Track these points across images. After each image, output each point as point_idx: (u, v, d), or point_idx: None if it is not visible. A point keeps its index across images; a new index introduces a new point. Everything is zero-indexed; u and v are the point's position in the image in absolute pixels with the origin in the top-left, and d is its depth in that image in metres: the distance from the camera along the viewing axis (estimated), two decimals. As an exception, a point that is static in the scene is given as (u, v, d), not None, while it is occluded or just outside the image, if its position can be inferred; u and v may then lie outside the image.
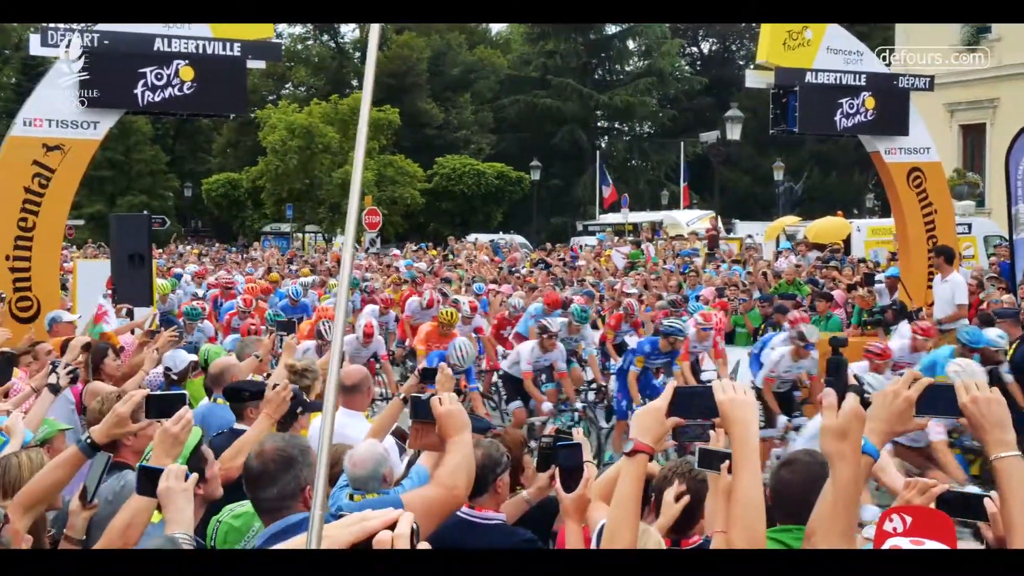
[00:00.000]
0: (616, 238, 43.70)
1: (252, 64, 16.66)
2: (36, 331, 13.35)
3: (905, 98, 18.92)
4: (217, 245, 54.67)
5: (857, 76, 18.55)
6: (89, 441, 4.98)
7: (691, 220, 48.65)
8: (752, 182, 71.23)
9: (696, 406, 4.01)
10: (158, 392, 5.62)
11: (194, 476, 4.47)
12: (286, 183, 61.30)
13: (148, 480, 4.51)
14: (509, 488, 6.59)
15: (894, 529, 3.20)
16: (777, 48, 18.29)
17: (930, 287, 17.87)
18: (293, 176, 60.41)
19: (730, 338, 19.90)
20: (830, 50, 18.47)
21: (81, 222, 59.11)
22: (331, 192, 59.32)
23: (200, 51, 15.73)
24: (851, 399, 3.57)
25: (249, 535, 5.38)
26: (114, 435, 5.07)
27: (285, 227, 64.76)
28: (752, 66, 19.39)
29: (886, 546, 3.17)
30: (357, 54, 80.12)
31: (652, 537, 4.74)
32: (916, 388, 3.78)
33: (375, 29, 3.18)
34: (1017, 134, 20.57)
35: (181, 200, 73.92)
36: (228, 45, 15.92)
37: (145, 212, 25.43)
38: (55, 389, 7.46)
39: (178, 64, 15.59)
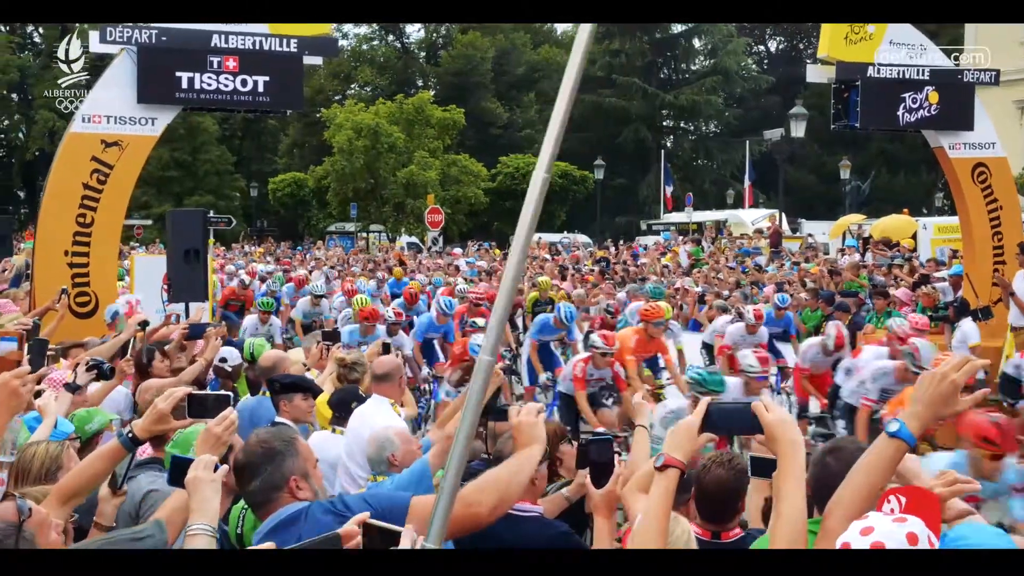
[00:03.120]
0: (680, 237, 43.53)
1: (309, 60, 16.68)
2: (95, 325, 13.48)
3: (970, 92, 18.57)
4: (283, 245, 55.01)
5: (920, 70, 18.24)
6: (131, 435, 4.97)
7: (756, 219, 48.29)
8: (818, 181, 70.57)
9: (733, 423, 3.98)
10: (201, 392, 5.59)
11: (224, 468, 4.43)
12: (351, 183, 61.59)
13: (179, 470, 4.49)
14: (547, 480, 6.54)
15: (891, 510, 3.22)
16: (839, 42, 18.04)
17: (995, 284, 17.54)
18: (358, 176, 60.66)
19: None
20: (893, 44, 18.17)
21: (149, 222, 59.85)
22: (395, 192, 59.51)
23: (256, 47, 15.79)
24: None
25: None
26: (155, 431, 5.05)
27: (350, 226, 65.08)
28: (816, 61, 19.13)
29: (865, 526, 3.17)
30: (422, 54, 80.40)
31: (680, 524, 4.67)
32: (964, 373, 3.69)
33: (585, 29, 3.21)
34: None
35: (247, 200, 74.55)
36: (284, 41, 15.96)
37: (202, 208, 25.57)
38: (73, 388, 7.46)
39: (234, 61, 15.67)
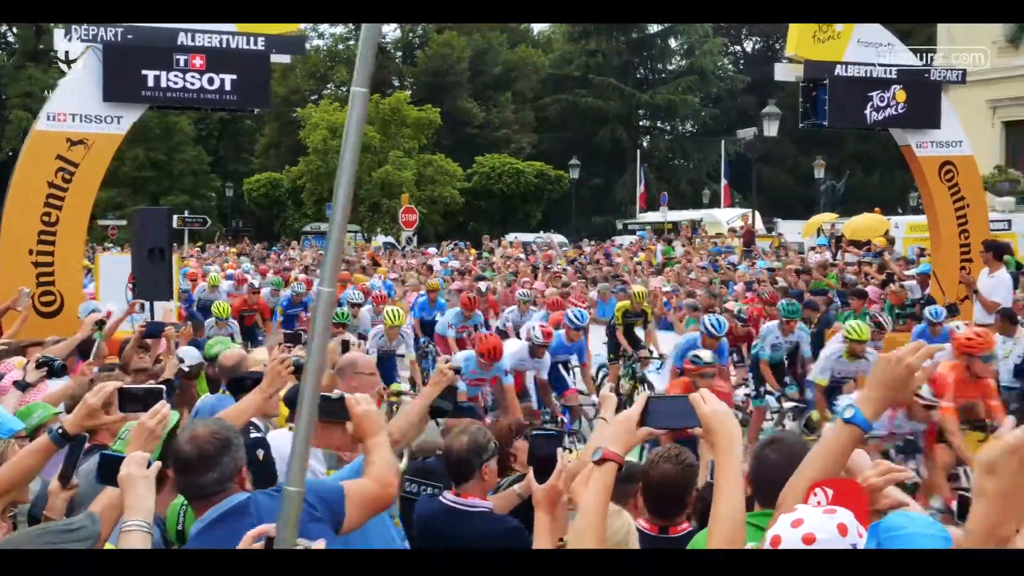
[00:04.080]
0: (655, 236, 43.60)
1: (276, 58, 16.66)
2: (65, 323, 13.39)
3: (937, 91, 18.67)
4: (257, 246, 54.85)
5: (888, 69, 18.33)
6: (60, 431, 4.93)
7: (731, 219, 48.39)
8: (794, 181, 70.78)
9: (671, 416, 3.96)
10: (133, 386, 5.54)
11: (157, 464, 4.40)
12: (327, 183, 61.44)
13: (108, 468, 4.45)
14: (497, 475, 6.53)
15: (818, 502, 3.25)
16: (807, 41, 18.13)
17: (961, 283, 17.61)
18: (334, 176, 60.40)
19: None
20: (860, 43, 18.27)
21: (123, 222, 59.60)
22: (371, 191, 59.44)
23: (223, 45, 15.75)
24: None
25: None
26: (85, 426, 5.01)
27: (325, 227, 64.91)
28: (785, 60, 19.19)
29: (795, 518, 3.17)
30: (398, 54, 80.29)
31: (622, 518, 4.67)
32: (919, 357, 3.71)
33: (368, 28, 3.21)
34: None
35: (223, 200, 74.32)
36: (251, 40, 15.92)
37: (166, 207, 25.35)
38: (23, 386, 7.42)
39: (201, 59, 15.62)
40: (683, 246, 35.11)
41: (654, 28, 77.95)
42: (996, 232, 22.84)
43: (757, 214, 46.47)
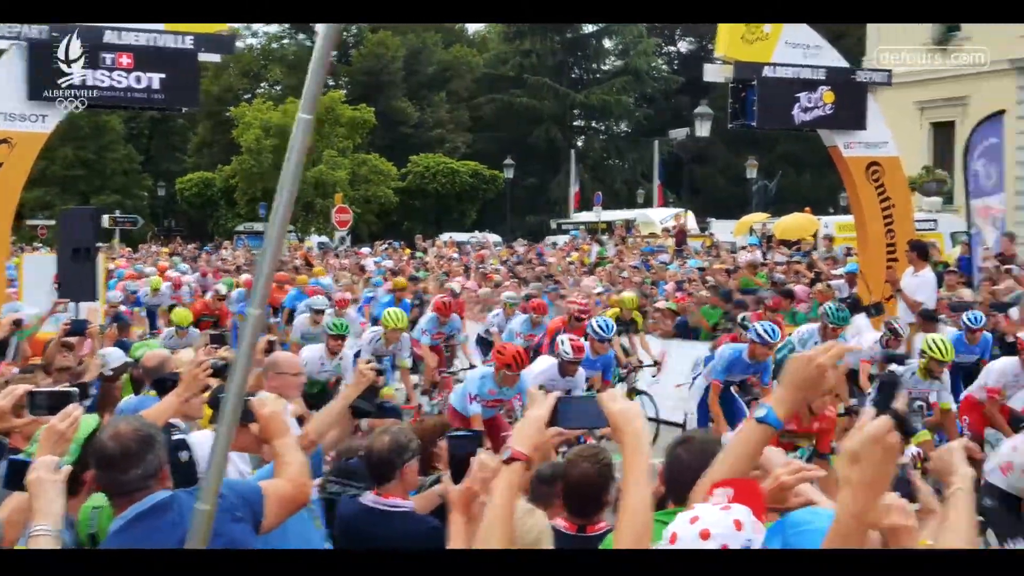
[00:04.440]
0: (589, 236, 43.71)
1: (204, 57, 16.50)
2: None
3: (863, 92, 18.87)
4: (190, 246, 54.38)
5: (815, 70, 18.50)
6: None
7: (664, 218, 48.61)
8: (727, 181, 71.25)
9: (581, 416, 3.99)
10: (43, 388, 5.49)
11: (66, 468, 4.36)
12: (260, 182, 61.10)
13: (15, 473, 4.41)
14: (418, 475, 6.54)
15: (717, 502, 3.28)
16: (736, 42, 18.24)
17: (887, 281, 17.84)
18: (267, 175, 60.19)
19: (695, 333, 19.95)
20: (788, 44, 18.41)
21: (53, 222, 58.87)
22: (305, 191, 59.16)
23: (151, 44, 15.59)
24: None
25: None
26: None
27: (259, 226, 64.55)
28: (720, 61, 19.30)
29: (692, 515, 3.24)
30: (333, 53, 79.78)
31: (534, 517, 4.69)
32: (830, 357, 3.77)
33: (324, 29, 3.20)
34: (972, 131, 20.66)
35: (155, 200, 73.63)
36: (179, 38, 15.78)
37: (93, 206, 25.05)
38: None
39: (128, 57, 15.46)
40: (616, 246, 35.24)
41: (589, 28, 78.16)
42: (922, 232, 23.15)
43: (691, 214, 46.71)
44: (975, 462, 6.20)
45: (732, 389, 13.87)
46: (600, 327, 14.53)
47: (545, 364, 13.34)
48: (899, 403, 3.59)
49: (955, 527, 3.35)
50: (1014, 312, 16.27)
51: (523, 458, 3.89)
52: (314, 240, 54.83)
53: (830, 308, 14.80)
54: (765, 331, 13.01)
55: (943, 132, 42.21)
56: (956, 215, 29.75)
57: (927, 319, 15.69)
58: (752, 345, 13.03)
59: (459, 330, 19.05)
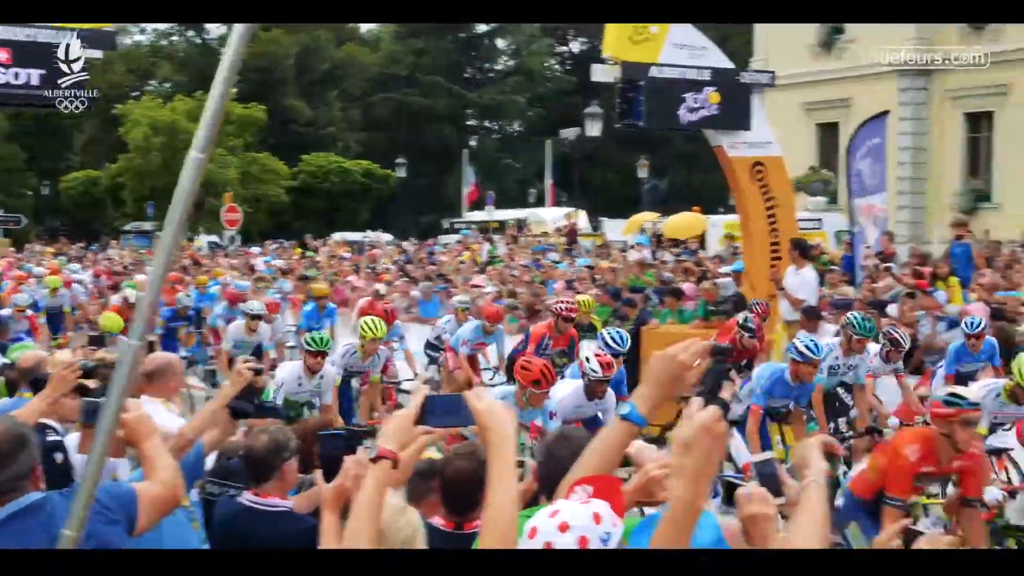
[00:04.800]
0: (481, 235, 43.80)
1: (87, 54, 16.15)
2: None
3: (748, 93, 19.13)
4: (76, 246, 53.38)
5: (701, 71, 18.69)
6: None
7: (556, 218, 48.92)
8: (620, 181, 71.76)
9: (449, 414, 4.00)
10: None
11: None
12: (148, 180, 60.21)
13: None
14: (298, 474, 6.50)
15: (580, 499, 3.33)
16: (623, 42, 18.34)
17: (772, 280, 18.12)
18: (155, 173, 59.34)
19: (584, 332, 20.07)
20: (675, 45, 18.55)
21: (-67, 221, 57.48)
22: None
23: (30, 39, 15.25)
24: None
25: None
26: None
27: (148, 225, 63.59)
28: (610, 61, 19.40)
29: (553, 510, 3.28)
30: (223, 50, 78.99)
31: (406, 516, 4.68)
32: (692, 354, 3.82)
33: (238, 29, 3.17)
34: (855, 132, 21.07)
35: (39, 199, 72.16)
36: (60, 34, 15.44)
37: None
38: None
39: (6, 53, 15.10)
40: (507, 245, 35.35)
41: (482, 28, 78.33)
42: (808, 231, 23.58)
43: (583, 213, 47.06)
44: (833, 457, 6.29)
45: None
46: (614, 339, 12.62)
47: (568, 388, 11.56)
48: (725, 392, 3.68)
49: (805, 518, 3.43)
50: (892, 309, 16.64)
51: (390, 456, 3.90)
52: (204, 240, 54.20)
53: (855, 317, 13.08)
54: (807, 347, 11.64)
55: (828, 133, 43.04)
56: (841, 214, 30.31)
57: (809, 316, 15.98)
58: (794, 365, 11.59)
59: (399, 336, 17.70)
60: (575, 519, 3.22)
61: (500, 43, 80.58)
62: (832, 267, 20.76)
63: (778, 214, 19.05)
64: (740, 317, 14.70)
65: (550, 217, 49.81)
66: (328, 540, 4.30)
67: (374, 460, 3.91)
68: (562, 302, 15.97)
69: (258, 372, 6.67)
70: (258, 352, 16.70)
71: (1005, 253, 21.21)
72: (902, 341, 13.16)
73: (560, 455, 4.72)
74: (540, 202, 62.04)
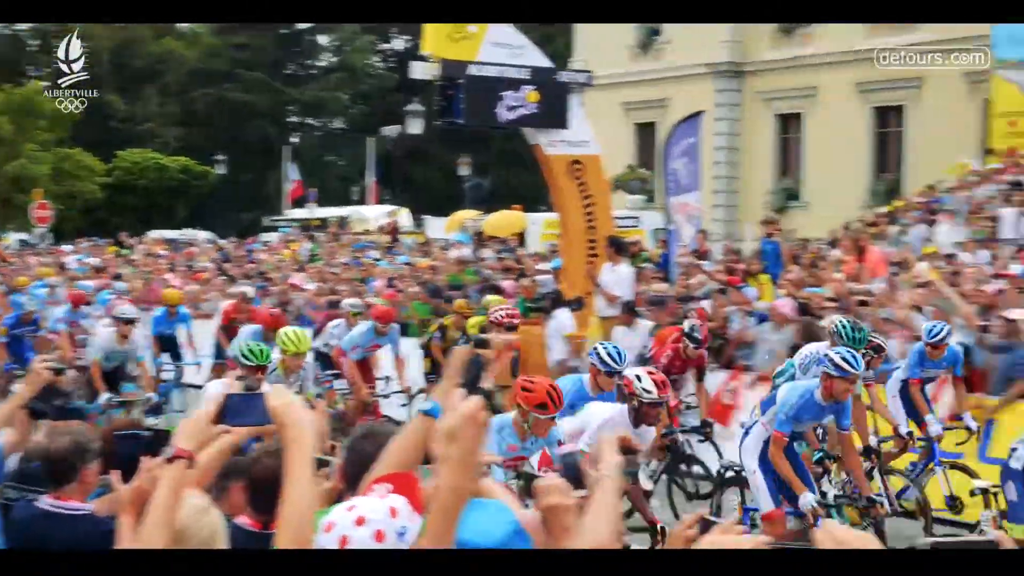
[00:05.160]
0: (303, 233, 43.41)
1: None
2: None
3: (566, 92, 19.36)
4: None
5: (520, 70, 18.86)
6: None
7: (379, 215, 48.75)
8: (443, 179, 71.87)
9: (248, 413, 3.97)
10: None
11: None
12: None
13: None
14: (99, 477, 6.34)
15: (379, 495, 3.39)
16: (442, 40, 18.43)
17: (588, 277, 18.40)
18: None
19: (404, 330, 20.06)
20: (493, 43, 18.71)
21: None
22: (2, 186, 56.56)
23: None
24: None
25: None
26: None
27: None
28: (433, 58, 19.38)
29: (351, 505, 3.35)
30: (36, 42, 76.60)
31: (209, 516, 4.61)
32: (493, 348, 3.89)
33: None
34: (671, 131, 21.52)
35: None
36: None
37: None
38: None
39: None
40: (328, 243, 35.12)
41: (304, 24, 77.53)
42: (625, 229, 24.00)
43: (406, 211, 47.00)
44: (631, 451, 6.37)
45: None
46: (612, 356, 10.88)
47: (608, 410, 9.99)
48: (486, 383, 3.79)
49: (595, 511, 3.50)
50: (706, 304, 17.02)
51: (186, 456, 3.85)
52: (13, 237, 52.47)
53: (844, 327, 11.54)
54: (845, 360, 9.91)
55: (646, 132, 43.80)
56: (658, 212, 30.91)
57: (628, 312, 16.27)
58: (829, 382, 9.95)
59: (394, 342, 16.75)
60: (372, 513, 3.25)
61: (322, 39, 79.91)
62: (646, 264, 21.16)
63: (595, 212, 19.34)
64: (686, 326, 13.62)
65: (373, 215, 49.59)
66: (124, 541, 4.21)
67: (169, 460, 3.85)
68: (500, 310, 14.24)
69: (58, 372, 6.50)
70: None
71: (812, 251, 21.85)
72: (884, 347, 12.58)
73: (365, 452, 4.69)
74: (363, 200, 61.74)
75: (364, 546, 3.21)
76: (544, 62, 19.49)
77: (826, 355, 10.15)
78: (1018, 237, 21.74)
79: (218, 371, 17.10)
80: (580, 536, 3.39)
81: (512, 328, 13.34)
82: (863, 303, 15.96)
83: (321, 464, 4.64)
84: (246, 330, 15.76)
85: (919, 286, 16.08)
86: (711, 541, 3.01)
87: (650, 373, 10.06)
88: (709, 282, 18.81)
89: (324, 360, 16.73)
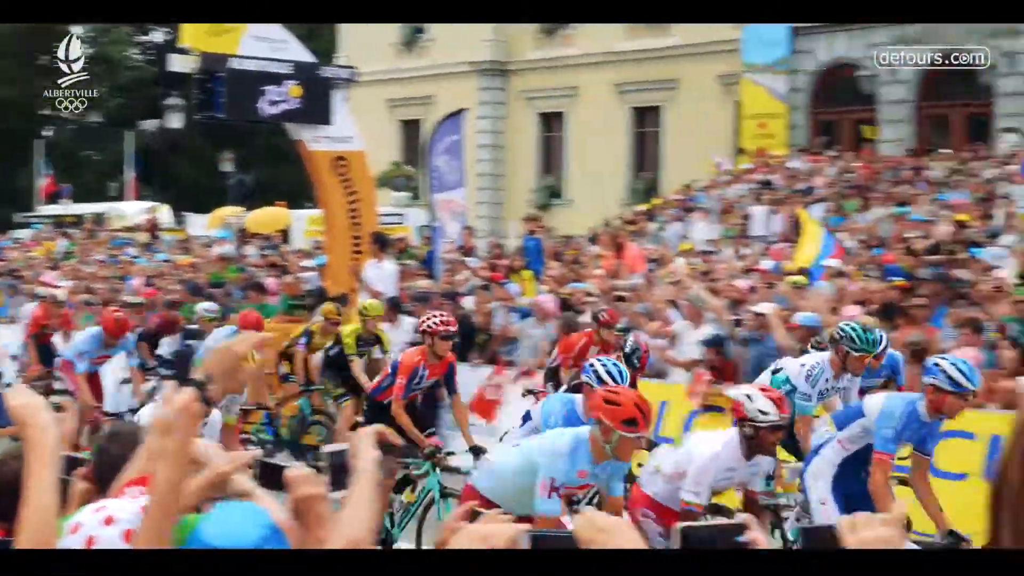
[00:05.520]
0: (56, 230, 41.98)
1: None
2: None
3: (329, 88, 19.24)
4: None
5: (282, 64, 18.65)
6: None
7: (138, 211, 47.51)
8: (205, 175, 70.45)
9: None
10: None
11: None
12: None
13: None
14: None
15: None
16: (201, 33, 18.07)
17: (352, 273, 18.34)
18: None
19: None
20: (254, 37, 18.45)
21: None
22: None
23: None
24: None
25: None
26: None
27: None
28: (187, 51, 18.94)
29: (99, 507, 3.33)
30: None
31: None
32: (244, 344, 3.84)
33: None
34: (435, 129, 21.67)
35: None
36: None
37: None
38: None
39: None
40: (84, 240, 34.03)
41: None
42: (390, 226, 24.01)
43: (167, 207, 45.91)
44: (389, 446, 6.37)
45: None
46: (611, 374, 9.42)
47: (713, 444, 8.51)
48: (197, 374, 3.77)
49: (354, 505, 3.50)
50: (468, 301, 17.18)
51: None
52: None
53: (855, 331, 10.41)
54: (962, 372, 8.38)
55: (411, 129, 43.82)
56: (424, 209, 31.03)
57: (392, 308, 16.28)
58: (939, 396, 8.41)
59: (132, 351, 15.49)
60: (121, 513, 3.22)
61: (76, 30, 77.32)
62: (411, 261, 21.24)
63: (360, 208, 19.30)
64: (627, 346, 12.34)
65: (132, 211, 48.30)
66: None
67: None
68: (432, 317, 11.85)
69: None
70: None
71: (573, 247, 22.33)
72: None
73: (113, 454, 4.57)
74: (122, 196, 60.06)
75: (112, 546, 3.14)
76: (307, 57, 19.33)
77: (936, 364, 8.55)
78: (767, 234, 22.70)
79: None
80: (337, 532, 3.38)
81: (448, 337, 11.40)
82: (621, 298, 16.39)
83: (74, 464, 4.48)
84: (85, 335, 14.87)
85: (674, 283, 16.62)
86: (472, 531, 3.01)
87: (763, 389, 8.68)
88: (473, 278, 19.00)
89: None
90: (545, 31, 40.66)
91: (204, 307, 17.19)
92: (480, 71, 42.20)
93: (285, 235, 30.40)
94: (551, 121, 42.24)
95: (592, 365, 9.57)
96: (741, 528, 2.56)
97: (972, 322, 12.96)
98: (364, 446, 3.71)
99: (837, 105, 33.40)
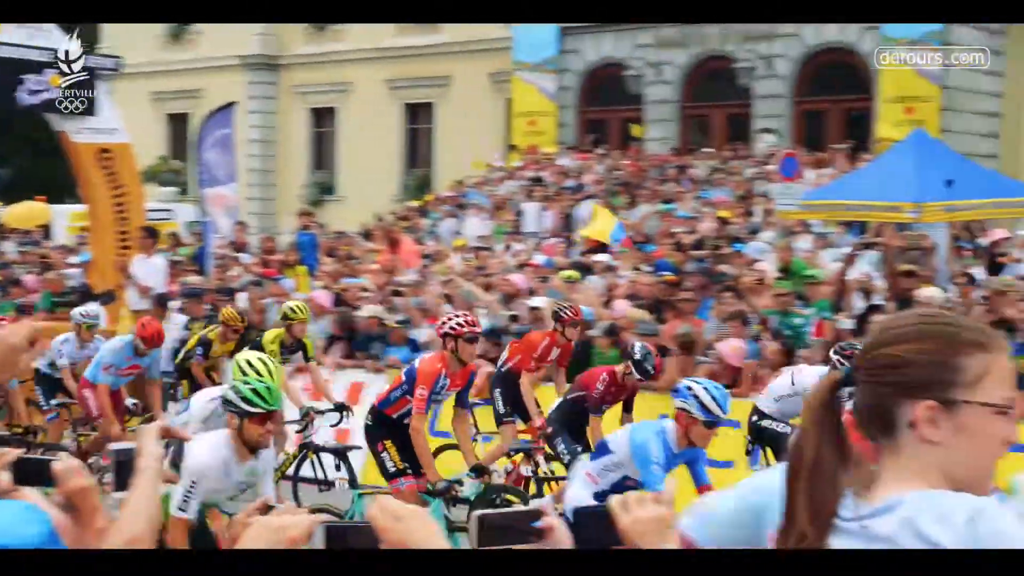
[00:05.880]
0: None
1: None
2: None
3: (93, 78, 18.62)
4: None
5: (42, 52, 17.95)
6: None
7: None
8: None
9: None
10: None
11: None
12: None
13: None
14: None
15: None
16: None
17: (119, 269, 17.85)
18: None
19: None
20: (13, 24, 17.72)
21: None
22: None
23: None
24: None
25: None
26: None
27: None
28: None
29: None
30: None
31: None
32: (21, 338, 3.74)
33: None
34: (203, 122, 21.30)
35: None
36: None
37: None
38: None
39: None
40: None
41: None
42: (159, 221, 23.40)
43: None
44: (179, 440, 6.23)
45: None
46: (715, 401, 8.12)
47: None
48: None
49: (134, 502, 3.42)
50: (242, 298, 16.91)
51: None
52: None
53: None
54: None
55: (179, 123, 42.94)
56: (193, 204, 30.37)
57: (159, 304, 15.91)
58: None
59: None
60: None
61: None
62: (182, 256, 20.79)
63: (126, 202, 18.77)
64: (637, 352, 11.20)
65: None
66: None
67: None
68: (454, 317, 10.51)
69: None
70: None
71: (346, 243, 22.22)
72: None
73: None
74: None
75: None
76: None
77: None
78: (539, 230, 23.05)
79: None
80: (116, 530, 3.29)
81: (474, 339, 10.28)
82: (398, 293, 16.41)
83: None
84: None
85: (446, 280, 16.75)
86: (264, 523, 2.94)
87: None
88: (245, 274, 18.71)
89: (50, 385, 14.11)
90: (316, 26, 40.34)
91: (80, 312, 14.55)
92: (249, 65, 41.63)
93: (46, 231, 29.29)
94: (323, 116, 41.93)
95: (691, 389, 8.10)
96: (537, 514, 2.58)
97: (739, 315, 13.42)
98: (148, 443, 3.62)
99: (605, 104, 34.10)
